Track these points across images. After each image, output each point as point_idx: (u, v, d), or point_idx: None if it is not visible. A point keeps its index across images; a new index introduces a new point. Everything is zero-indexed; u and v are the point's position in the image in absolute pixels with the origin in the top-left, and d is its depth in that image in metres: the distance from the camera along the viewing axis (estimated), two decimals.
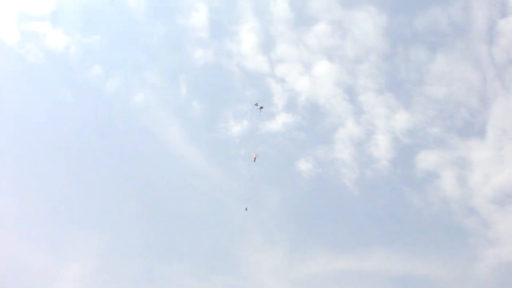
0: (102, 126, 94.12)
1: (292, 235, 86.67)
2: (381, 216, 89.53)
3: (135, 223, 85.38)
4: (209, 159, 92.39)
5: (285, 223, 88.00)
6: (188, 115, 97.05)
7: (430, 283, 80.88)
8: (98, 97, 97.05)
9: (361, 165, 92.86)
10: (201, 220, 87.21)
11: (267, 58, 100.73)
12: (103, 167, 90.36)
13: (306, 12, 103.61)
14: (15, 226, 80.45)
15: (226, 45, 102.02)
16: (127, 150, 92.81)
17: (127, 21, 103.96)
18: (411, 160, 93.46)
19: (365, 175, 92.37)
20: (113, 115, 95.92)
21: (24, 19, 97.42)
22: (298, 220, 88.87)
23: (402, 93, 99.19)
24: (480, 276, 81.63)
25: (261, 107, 68.62)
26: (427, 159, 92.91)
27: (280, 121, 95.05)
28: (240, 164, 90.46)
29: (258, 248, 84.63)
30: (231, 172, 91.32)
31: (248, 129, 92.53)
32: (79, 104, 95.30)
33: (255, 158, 67.27)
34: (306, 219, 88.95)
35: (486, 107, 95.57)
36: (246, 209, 68.03)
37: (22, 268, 76.58)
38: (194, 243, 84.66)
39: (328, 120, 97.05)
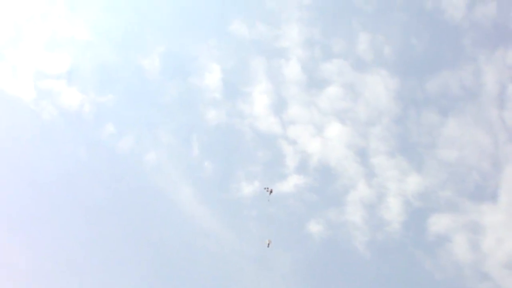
0: (114, 185, 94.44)
1: None
2: (392, 279, 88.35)
3: (145, 282, 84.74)
4: (220, 219, 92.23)
5: (295, 285, 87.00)
6: (200, 175, 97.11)
7: None
8: (110, 156, 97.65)
9: (372, 228, 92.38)
10: (211, 280, 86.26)
11: (279, 119, 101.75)
12: (114, 225, 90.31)
13: (318, 75, 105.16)
14: (24, 283, 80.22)
15: (238, 106, 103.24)
16: (139, 209, 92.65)
17: (141, 80, 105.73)
18: (423, 224, 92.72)
19: (376, 238, 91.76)
20: (125, 174, 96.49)
21: (41, 77, 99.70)
22: (308, 282, 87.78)
23: (413, 156, 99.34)
24: None
25: (271, 191, 68.77)
26: (439, 223, 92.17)
27: (291, 183, 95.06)
28: (251, 225, 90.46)
29: None
30: (242, 233, 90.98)
31: (260, 190, 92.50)
32: (92, 162, 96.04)
33: (268, 244, 67.06)
34: (316, 281, 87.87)
35: (498, 171, 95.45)
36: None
37: None
38: None
39: (339, 182, 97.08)
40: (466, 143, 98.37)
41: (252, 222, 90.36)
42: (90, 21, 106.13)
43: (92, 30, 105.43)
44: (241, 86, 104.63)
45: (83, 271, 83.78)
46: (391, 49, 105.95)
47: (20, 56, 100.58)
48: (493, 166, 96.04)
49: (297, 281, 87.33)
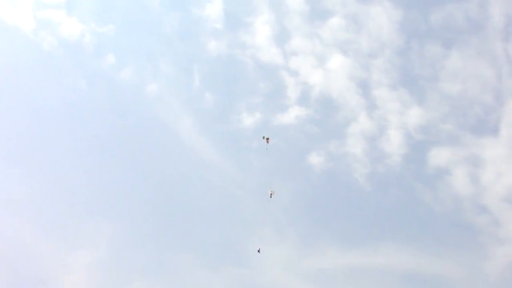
0: (115, 116, 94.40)
1: (302, 228, 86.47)
2: (391, 212, 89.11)
3: (146, 212, 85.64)
4: (220, 150, 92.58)
5: (295, 216, 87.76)
6: (201, 106, 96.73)
7: (439, 280, 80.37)
8: (111, 86, 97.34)
9: (373, 160, 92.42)
10: (212, 212, 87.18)
11: (281, 50, 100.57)
12: (114, 156, 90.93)
13: (321, 6, 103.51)
14: (24, 212, 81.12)
15: (240, 37, 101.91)
16: (139, 139, 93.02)
17: (142, 11, 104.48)
18: (423, 157, 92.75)
19: (377, 170, 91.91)
20: (126, 105, 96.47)
21: (40, 7, 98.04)
22: (308, 213, 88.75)
23: (416, 89, 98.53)
24: (490, 275, 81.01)
25: (268, 140, 68.22)
26: (439, 156, 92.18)
27: (292, 114, 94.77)
28: (252, 157, 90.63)
29: (267, 241, 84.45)
30: (242, 164, 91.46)
31: (261, 122, 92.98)
32: (92, 93, 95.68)
33: (271, 195, 66.83)
34: (316, 213, 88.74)
35: (501, 105, 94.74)
36: (258, 250, 67.33)
37: (30, 254, 77.11)
38: (204, 234, 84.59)
39: (340, 114, 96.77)
40: (469, 76, 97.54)
41: (252, 154, 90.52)
42: None
43: None
44: (243, 17, 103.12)
45: (83, 201, 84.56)
46: None
47: None
48: (495, 99, 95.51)
49: (297, 213, 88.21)
